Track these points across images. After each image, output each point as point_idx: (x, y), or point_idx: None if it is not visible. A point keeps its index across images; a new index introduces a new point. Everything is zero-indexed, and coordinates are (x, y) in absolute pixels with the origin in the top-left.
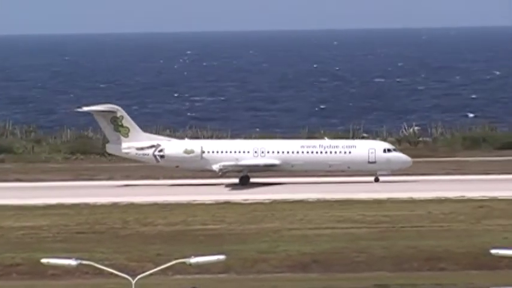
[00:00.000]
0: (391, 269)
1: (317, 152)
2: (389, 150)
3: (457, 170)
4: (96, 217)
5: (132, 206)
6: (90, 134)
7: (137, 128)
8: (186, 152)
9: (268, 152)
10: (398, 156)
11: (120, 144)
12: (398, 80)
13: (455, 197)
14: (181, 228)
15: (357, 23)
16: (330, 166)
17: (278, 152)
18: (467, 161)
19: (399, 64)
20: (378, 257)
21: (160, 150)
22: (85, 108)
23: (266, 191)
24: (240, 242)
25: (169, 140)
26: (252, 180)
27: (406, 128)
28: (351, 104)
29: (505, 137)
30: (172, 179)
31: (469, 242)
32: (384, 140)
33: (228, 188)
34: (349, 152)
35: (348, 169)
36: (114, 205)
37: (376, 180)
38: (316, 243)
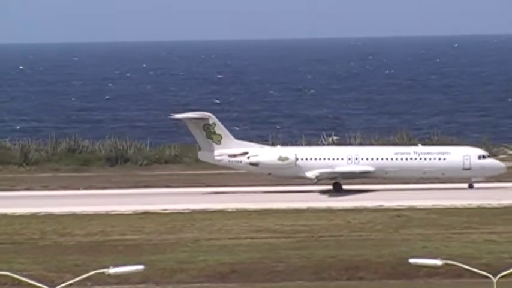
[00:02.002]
0: (310, 278)
1: (411, 159)
2: (484, 157)
3: (373, 180)
4: (15, 228)
5: (50, 216)
6: (8, 145)
7: (229, 135)
8: (280, 159)
9: (362, 159)
10: (492, 162)
11: (212, 151)
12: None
13: (374, 206)
14: (99, 238)
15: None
16: (424, 173)
17: (372, 159)
18: None
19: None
20: (297, 266)
21: (254, 157)
22: (177, 116)
23: (185, 201)
24: (158, 252)
25: (261, 147)
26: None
27: (325, 137)
28: (265, 112)
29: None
30: (90, 189)
31: (388, 251)
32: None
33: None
34: (444, 159)
35: (443, 176)
36: (33, 215)
37: (471, 187)
38: (235, 253)
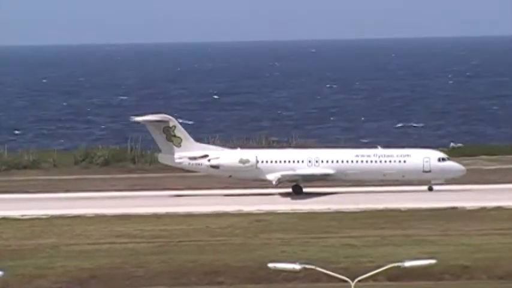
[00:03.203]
0: (170, 283)
1: (371, 161)
2: (443, 159)
3: (235, 184)
4: None
5: None
6: None
7: (190, 137)
8: (241, 161)
9: (322, 162)
10: (452, 165)
11: (172, 154)
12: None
13: (233, 211)
14: None
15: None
16: (384, 175)
17: (332, 162)
18: None
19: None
20: (157, 271)
21: (215, 160)
22: (137, 118)
23: (44, 206)
24: (17, 257)
25: (222, 150)
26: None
27: None
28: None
29: None
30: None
31: (247, 256)
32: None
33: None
34: (404, 161)
35: (403, 178)
36: None
37: (430, 189)
38: (94, 259)
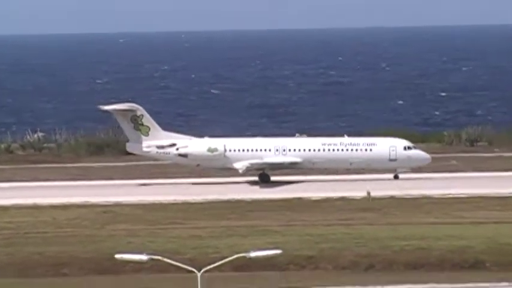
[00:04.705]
0: (15, 275)
1: (338, 150)
2: (409, 148)
3: (81, 176)
4: None
5: None
6: None
7: (157, 126)
8: (209, 150)
9: (289, 150)
10: (418, 153)
11: (140, 143)
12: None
13: (80, 203)
14: None
15: None
16: (350, 164)
17: (299, 150)
18: (92, 167)
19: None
20: (2, 263)
21: (183, 149)
22: (105, 107)
23: None
24: None
25: (190, 139)
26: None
27: (31, 133)
28: None
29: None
30: None
31: (94, 247)
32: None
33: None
34: (370, 150)
35: (369, 166)
36: None
37: (396, 177)
38: None
